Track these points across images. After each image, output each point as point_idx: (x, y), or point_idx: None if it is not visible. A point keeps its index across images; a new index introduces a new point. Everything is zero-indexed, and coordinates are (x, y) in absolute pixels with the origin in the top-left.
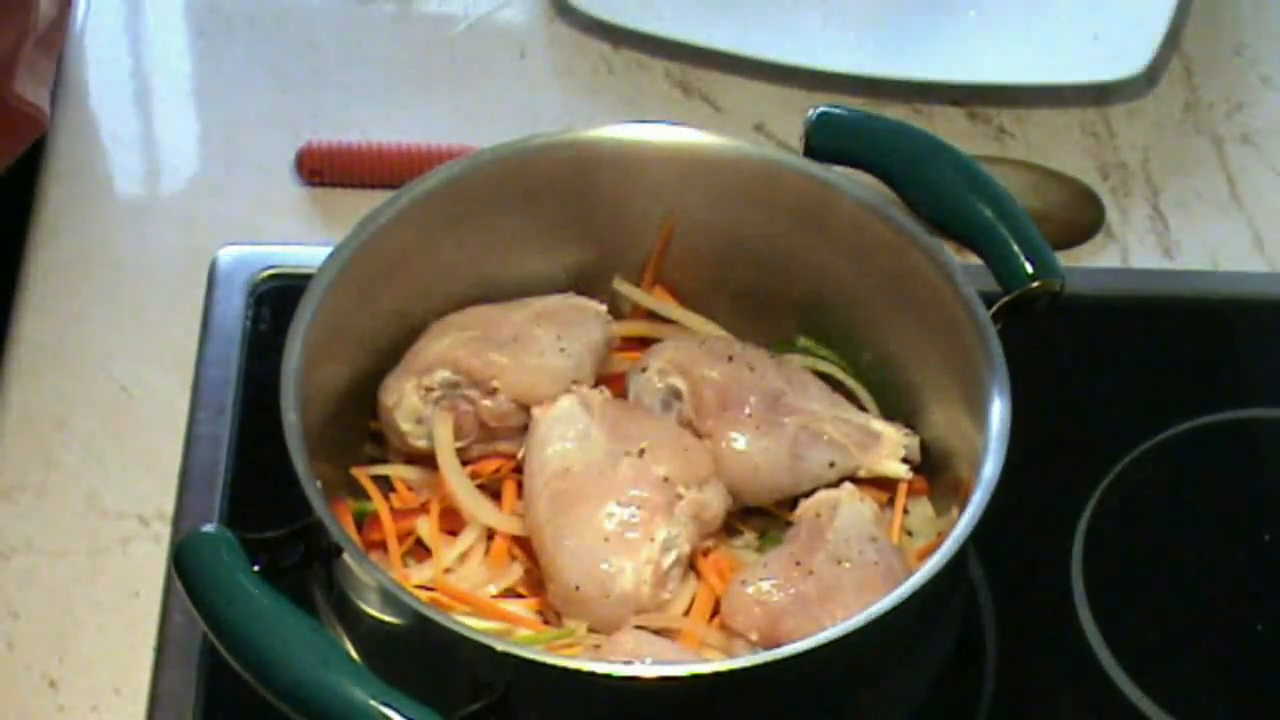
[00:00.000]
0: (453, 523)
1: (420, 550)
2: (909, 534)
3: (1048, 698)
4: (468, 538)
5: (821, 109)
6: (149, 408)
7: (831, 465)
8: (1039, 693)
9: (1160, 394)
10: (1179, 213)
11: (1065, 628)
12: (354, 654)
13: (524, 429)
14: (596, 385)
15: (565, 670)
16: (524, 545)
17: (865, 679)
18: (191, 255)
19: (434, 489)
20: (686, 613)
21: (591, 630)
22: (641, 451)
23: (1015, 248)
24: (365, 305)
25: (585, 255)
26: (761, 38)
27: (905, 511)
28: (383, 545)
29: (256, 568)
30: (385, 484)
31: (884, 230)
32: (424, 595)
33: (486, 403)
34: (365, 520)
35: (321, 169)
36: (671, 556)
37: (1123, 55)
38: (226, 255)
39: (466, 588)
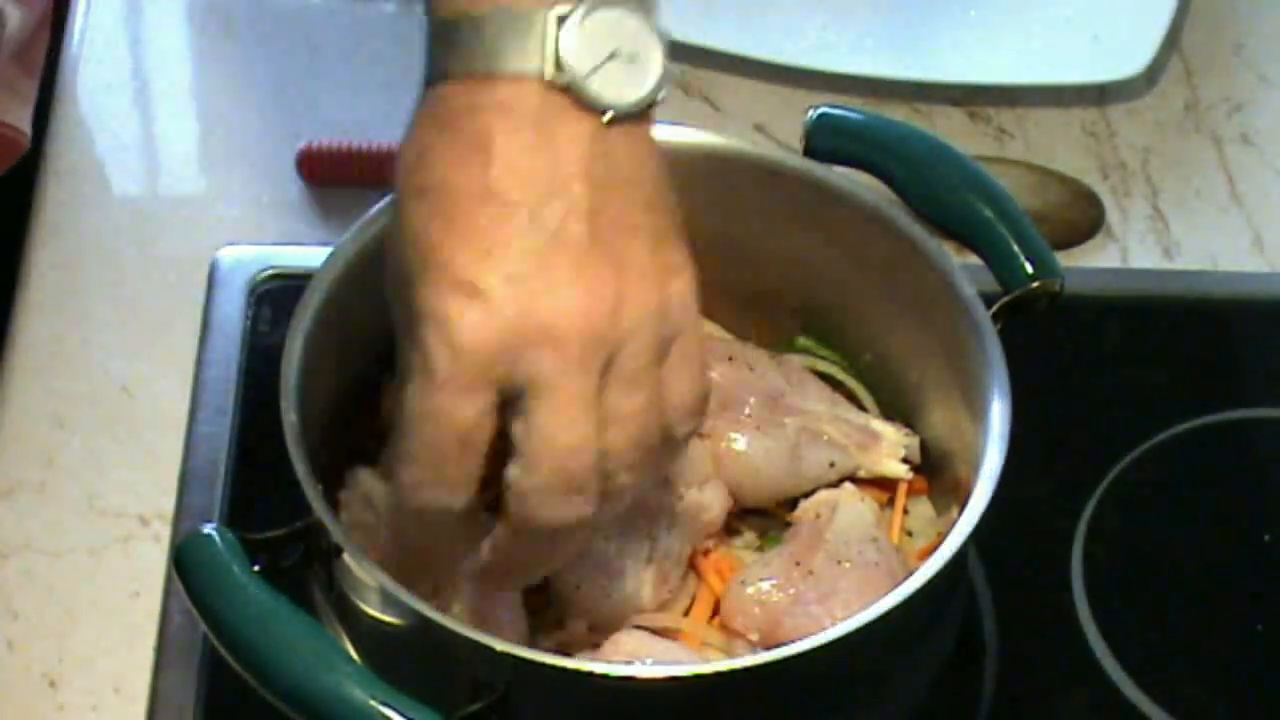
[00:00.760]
0: None
1: None
2: (909, 534)
3: (1048, 698)
4: None
5: (821, 109)
6: (149, 408)
7: (831, 465)
8: (1039, 693)
9: (1160, 394)
10: (1179, 213)
11: (1065, 628)
12: (354, 654)
13: None
14: None
15: (565, 670)
16: None
17: (865, 679)
18: (191, 255)
19: None
20: (686, 613)
21: (592, 630)
22: None
23: (1015, 248)
24: (365, 305)
25: None
26: (761, 38)
27: (905, 511)
28: None
29: (256, 568)
30: None
31: (884, 230)
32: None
33: None
34: None
35: (321, 169)
36: (671, 557)
37: (1123, 55)
38: (226, 255)
39: None
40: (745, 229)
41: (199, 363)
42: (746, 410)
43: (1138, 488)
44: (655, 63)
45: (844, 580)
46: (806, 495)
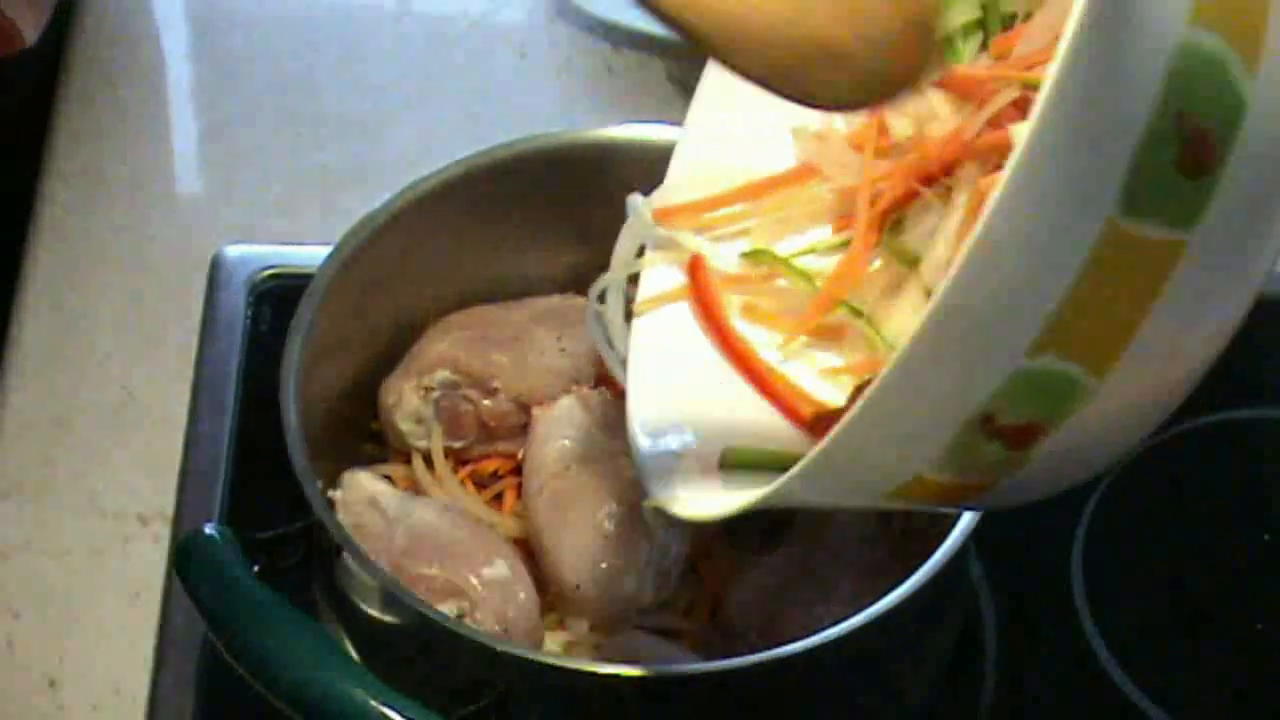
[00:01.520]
0: None
1: None
2: (909, 534)
3: (1048, 698)
4: None
5: None
6: (149, 407)
7: None
8: (1039, 693)
9: None
10: None
11: (1065, 628)
12: (354, 654)
13: (524, 429)
14: (596, 385)
15: (565, 670)
16: (524, 547)
17: (865, 679)
18: (191, 255)
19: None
20: (687, 613)
21: (592, 630)
22: None
23: None
24: (365, 305)
25: (585, 255)
26: None
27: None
28: None
29: (256, 568)
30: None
31: None
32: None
33: (486, 403)
34: None
35: None
36: (671, 556)
37: None
38: (227, 255)
39: None
40: None
41: (199, 363)
42: None
43: (1138, 488)
44: None
45: (844, 580)
46: None
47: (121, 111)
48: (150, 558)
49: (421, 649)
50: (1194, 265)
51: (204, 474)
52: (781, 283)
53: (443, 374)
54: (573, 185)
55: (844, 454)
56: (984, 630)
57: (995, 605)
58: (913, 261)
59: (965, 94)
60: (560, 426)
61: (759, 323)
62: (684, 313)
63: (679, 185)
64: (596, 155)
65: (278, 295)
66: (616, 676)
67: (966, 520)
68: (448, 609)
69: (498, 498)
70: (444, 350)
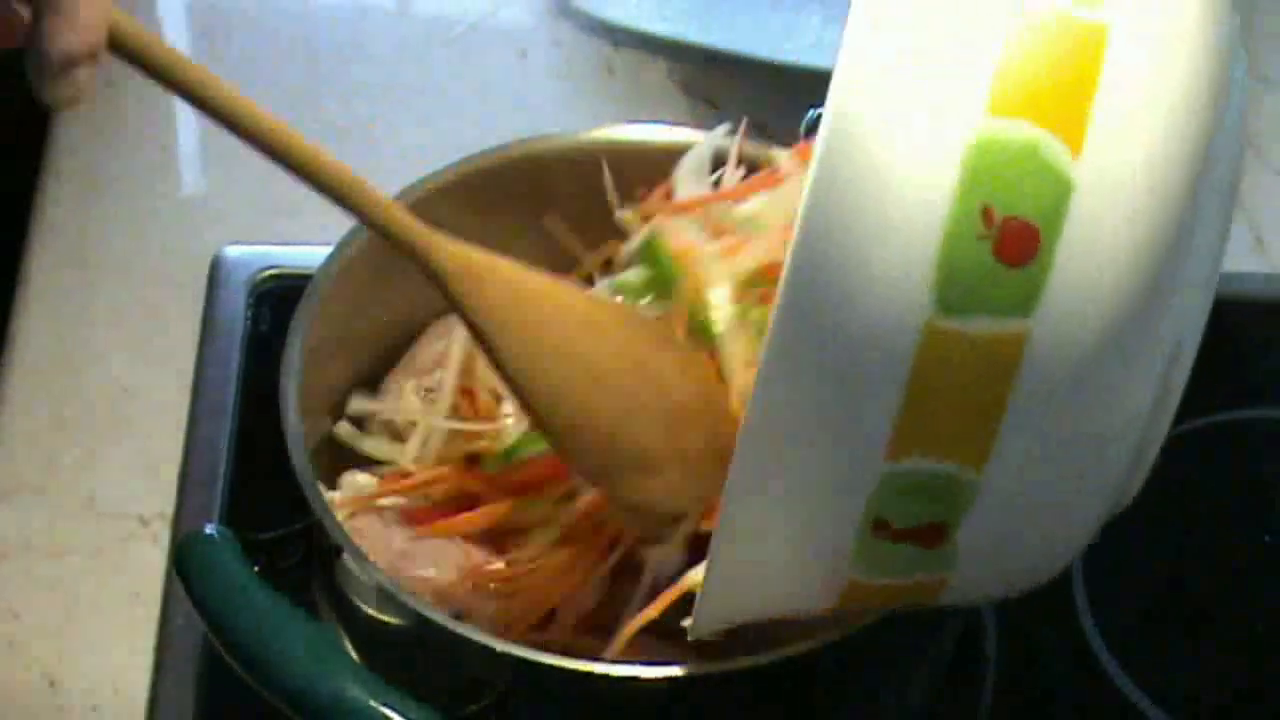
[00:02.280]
0: None
1: None
2: None
3: (1048, 698)
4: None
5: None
6: (149, 408)
7: None
8: (1039, 693)
9: None
10: None
11: (1065, 628)
12: (354, 654)
13: None
14: None
15: (565, 670)
16: None
17: (865, 680)
18: (191, 255)
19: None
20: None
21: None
22: None
23: None
24: (365, 306)
25: (585, 256)
26: (761, 38)
27: None
28: None
29: (256, 568)
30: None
31: None
32: None
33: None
34: None
35: None
36: None
37: None
38: (227, 255)
39: None
40: None
41: (199, 363)
42: None
43: None
44: None
45: None
46: None
47: (121, 111)
48: (150, 558)
49: (421, 649)
50: (1044, 347)
51: (204, 474)
52: None
53: (442, 374)
54: (572, 185)
55: (728, 579)
56: (984, 630)
57: (995, 605)
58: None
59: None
60: None
61: None
62: None
63: None
64: (596, 155)
65: (278, 295)
66: (617, 676)
67: None
68: (447, 609)
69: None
70: (444, 350)
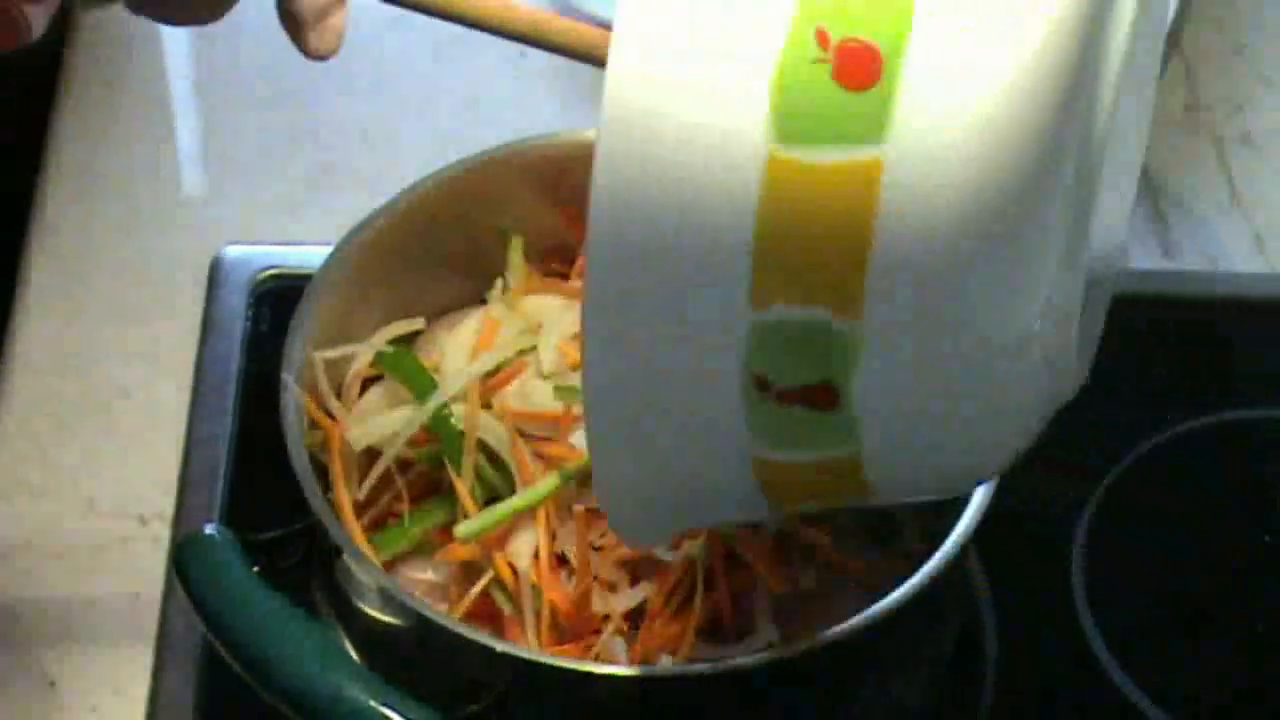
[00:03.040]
0: None
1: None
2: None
3: (1048, 698)
4: None
5: None
6: (149, 408)
7: None
8: (1039, 693)
9: (1160, 394)
10: (1179, 213)
11: (1065, 628)
12: (354, 654)
13: None
14: None
15: (565, 670)
16: None
17: (865, 679)
18: (191, 255)
19: None
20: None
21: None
22: None
23: None
24: (365, 305)
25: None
26: None
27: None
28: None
29: (256, 568)
30: None
31: None
32: None
33: None
34: None
35: None
36: None
37: None
38: (227, 255)
39: None
40: None
41: (199, 363)
42: None
43: (1138, 488)
44: None
45: (845, 581)
46: None
47: (121, 111)
48: (150, 558)
49: (421, 649)
50: (903, 176)
51: (204, 474)
52: None
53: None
54: (572, 185)
55: (620, 473)
56: (984, 630)
57: (995, 605)
58: None
59: None
60: None
61: None
62: None
63: None
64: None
65: (278, 295)
66: (617, 676)
67: (966, 521)
68: (447, 609)
69: None
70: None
